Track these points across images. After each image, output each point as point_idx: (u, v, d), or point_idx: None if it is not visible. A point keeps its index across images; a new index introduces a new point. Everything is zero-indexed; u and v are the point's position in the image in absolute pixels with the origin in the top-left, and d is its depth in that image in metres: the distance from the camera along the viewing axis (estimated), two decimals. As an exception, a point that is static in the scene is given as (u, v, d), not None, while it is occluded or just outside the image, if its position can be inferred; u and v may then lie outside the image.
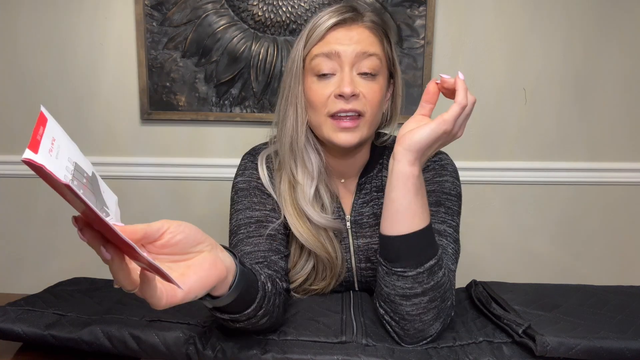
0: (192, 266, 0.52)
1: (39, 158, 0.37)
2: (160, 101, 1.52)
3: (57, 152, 0.41)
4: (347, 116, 0.81)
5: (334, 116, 0.81)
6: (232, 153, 1.54)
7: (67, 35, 1.51)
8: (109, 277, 0.94)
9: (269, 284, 0.69)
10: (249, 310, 0.64)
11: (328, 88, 0.81)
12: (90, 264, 1.63)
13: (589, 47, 1.50)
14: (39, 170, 0.37)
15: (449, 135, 0.70)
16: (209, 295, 0.58)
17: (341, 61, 0.81)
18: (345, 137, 0.81)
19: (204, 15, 1.48)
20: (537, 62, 1.51)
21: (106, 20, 1.51)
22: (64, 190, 0.39)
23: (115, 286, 0.47)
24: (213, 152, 1.56)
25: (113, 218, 0.47)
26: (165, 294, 0.48)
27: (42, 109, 0.42)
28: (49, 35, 1.52)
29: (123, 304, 0.78)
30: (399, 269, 0.68)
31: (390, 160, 0.70)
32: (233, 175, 0.95)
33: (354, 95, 0.80)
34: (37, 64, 1.53)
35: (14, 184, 1.61)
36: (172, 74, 1.51)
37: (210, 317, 0.73)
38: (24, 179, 1.60)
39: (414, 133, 0.68)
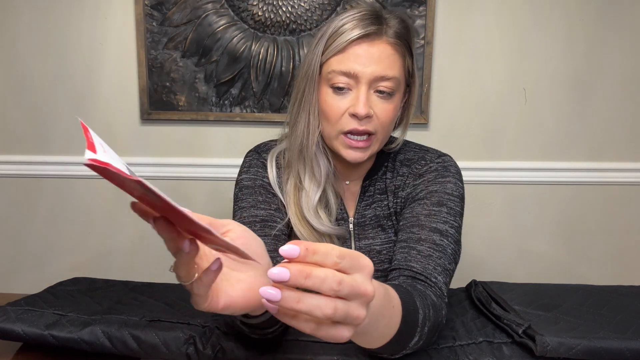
0: (243, 282, 0.50)
1: (102, 157, 0.37)
2: (160, 101, 1.52)
3: (110, 155, 0.41)
4: (359, 134, 0.80)
5: (345, 134, 0.81)
6: (232, 153, 1.54)
7: (67, 35, 1.51)
8: (109, 277, 0.94)
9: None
10: (273, 329, 0.64)
11: (343, 103, 0.80)
12: (90, 264, 1.64)
13: (589, 47, 1.50)
14: (104, 171, 0.37)
15: None
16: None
17: (358, 81, 0.79)
18: (354, 155, 0.81)
19: (204, 15, 1.48)
20: (537, 62, 1.51)
21: (106, 20, 1.51)
22: (132, 187, 0.39)
23: (170, 270, 0.47)
24: (213, 152, 1.56)
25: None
26: (210, 299, 0.47)
27: (80, 120, 0.44)
28: (49, 35, 1.52)
29: (123, 304, 0.78)
30: (384, 355, 0.65)
31: None
32: (233, 175, 0.95)
33: (368, 117, 0.79)
34: (37, 64, 1.53)
35: (14, 184, 1.61)
36: (172, 74, 1.51)
37: (211, 317, 0.73)
38: (24, 179, 1.60)
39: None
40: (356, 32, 0.78)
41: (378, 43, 0.79)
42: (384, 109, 0.80)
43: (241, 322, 0.63)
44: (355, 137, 0.80)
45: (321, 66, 0.81)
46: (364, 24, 0.78)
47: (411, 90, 0.88)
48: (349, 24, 0.79)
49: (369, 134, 0.81)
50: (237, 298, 0.49)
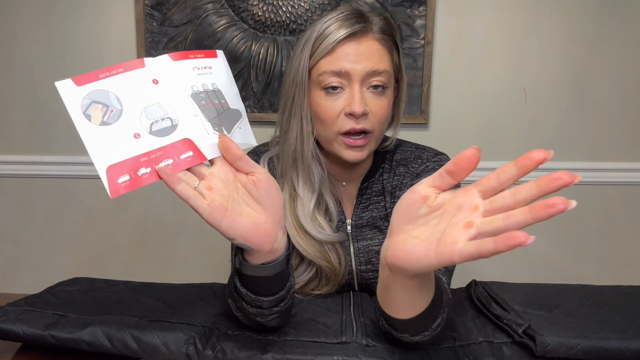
0: (252, 217, 0.57)
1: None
2: (160, 101, 1.52)
3: (202, 73, 0.59)
4: (356, 133, 0.79)
5: (343, 135, 0.80)
6: (232, 153, 1.54)
7: (67, 35, 1.51)
8: (109, 277, 0.94)
9: (292, 290, 0.69)
10: (266, 299, 0.64)
11: (337, 104, 0.79)
12: (90, 264, 1.64)
13: (589, 47, 1.50)
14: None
15: None
16: (241, 255, 0.62)
17: (351, 79, 0.78)
18: (354, 155, 0.81)
19: (204, 15, 1.48)
20: (537, 62, 1.51)
21: (106, 20, 1.51)
22: None
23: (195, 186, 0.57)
24: (213, 152, 1.56)
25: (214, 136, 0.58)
26: (212, 211, 0.54)
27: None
28: (49, 35, 1.52)
29: (123, 304, 0.77)
30: (404, 335, 0.64)
31: (383, 260, 0.55)
32: (233, 175, 0.95)
33: (364, 115, 0.78)
34: (37, 64, 1.53)
35: (14, 184, 1.61)
36: (172, 74, 1.51)
37: (211, 317, 0.73)
38: (24, 179, 1.60)
39: (410, 262, 0.49)
40: (343, 32, 0.77)
41: (365, 40, 0.79)
42: (379, 106, 0.80)
43: (239, 279, 0.64)
44: (354, 137, 0.79)
45: (310, 70, 0.81)
46: (348, 23, 0.78)
47: (400, 86, 0.88)
48: (333, 25, 0.78)
49: (366, 132, 0.80)
50: (241, 224, 0.56)
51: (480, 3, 1.49)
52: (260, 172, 0.58)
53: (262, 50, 1.49)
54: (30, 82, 1.54)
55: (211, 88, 0.59)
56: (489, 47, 1.51)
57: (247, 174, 0.58)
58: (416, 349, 0.68)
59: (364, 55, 0.78)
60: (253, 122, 1.68)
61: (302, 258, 0.87)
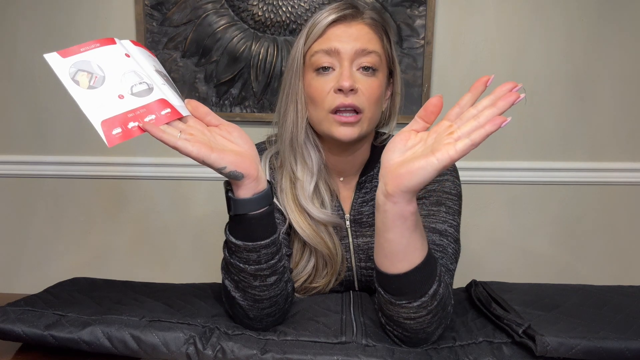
0: (234, 148, 0.63)
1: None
2: (160, 101, 1.52)
3: (137, 59, 0.65)
4: (346, 110, 0.81)
5: (334, 112, 0.81)
6: (232, 153, 1.54)
7: (67, 35, 1.51)
8: (109, 277, 0.94)
9: (285, 249, 0.73)
10: (262, 242, 0.66)
11: (328, 83, 0.81)
12: (90, 264, 1.64)
13: (589, 47, 1.50)
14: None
15: None
16: (232, 192, 0.65)
17: (340, 58, 0.81)
18: (345, 132, 0.81)
19: (204, 15, 1.48)
20: (537, 62, 1.51)
21: (106, 20, 1.51)
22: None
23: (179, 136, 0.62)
24: (213, 152, 1.56)
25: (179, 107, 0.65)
26: (199, 149, 0.59)
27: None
28: (49, 35, 1.52)
29: (123, 304, 0.77)
30: (402, 302, 0.65)
31: (381, 198, 0.61)
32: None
33: (353, 90, 0.80)
34: (37, 64, 1.53)
35: (14, 184, 1.61)
36: (172, 74, 1.51)
37: (211, 317, 0.73)
38: (24, 179, 1.60)
39: (413, 174, 0.56)
40: (333, 16, 0.82)
41: (355, 24, 0.83)
42: (369, 85, 0.82)
43: (232, 235, 0.67)
44: (344, 114, 0.81)
45: (304, 56, 0.84)
46: (339, 9, 0.83)
47: (394, 79, 0.90)
48: (325, 12, 0.83)
49: (357, 111, 0.81)
50: (228, 154, 0.62)
51: (480, 3, 1.49)
52: (227, 122, 0.66)
53: (262, 50, 1.49)
54: (30, 82, 1.54)
55: (164, 72, 0.69)
56: (489, 47, 1.51)
57: (216, 126, 0.65)
58: (414, 345, 0.68)
59: (353, 37, 0.82)
60: (253, 122, 1.68)
61: (302, 252, 0.87)
